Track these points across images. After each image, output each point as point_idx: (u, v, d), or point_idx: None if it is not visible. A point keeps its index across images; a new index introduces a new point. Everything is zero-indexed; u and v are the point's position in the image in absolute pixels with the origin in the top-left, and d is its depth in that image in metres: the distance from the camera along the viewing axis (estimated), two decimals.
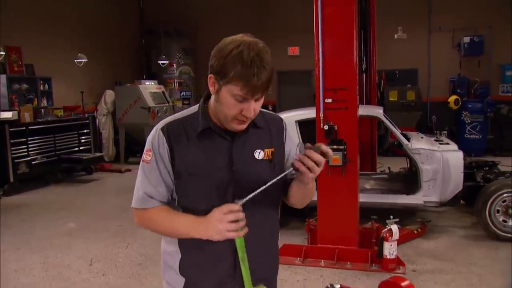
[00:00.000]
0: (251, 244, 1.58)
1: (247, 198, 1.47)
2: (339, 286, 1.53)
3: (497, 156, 9.37)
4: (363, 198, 5.08)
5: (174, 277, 1.70)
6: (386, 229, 4.41)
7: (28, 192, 8.40)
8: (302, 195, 1.70)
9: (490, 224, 5.19)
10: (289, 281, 4.36)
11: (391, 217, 4.50)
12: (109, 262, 4.98)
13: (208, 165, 1.58)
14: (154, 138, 1.62)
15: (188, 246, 1.64)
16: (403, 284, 1.46)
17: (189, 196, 1.60)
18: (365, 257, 4.62)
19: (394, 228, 4.36)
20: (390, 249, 4.40)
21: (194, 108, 1.68)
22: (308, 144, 1.49)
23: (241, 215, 1.45)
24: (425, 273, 4.45)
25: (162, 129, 1.62)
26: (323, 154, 1.46)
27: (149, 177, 1.62)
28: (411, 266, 4.59)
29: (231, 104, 1.49)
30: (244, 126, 1.57)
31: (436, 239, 5.39)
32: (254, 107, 1.51)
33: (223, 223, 1.44)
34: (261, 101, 1.54)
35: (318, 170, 1.48)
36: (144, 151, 1.65)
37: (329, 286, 1.54)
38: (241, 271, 1.56)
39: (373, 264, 4.56)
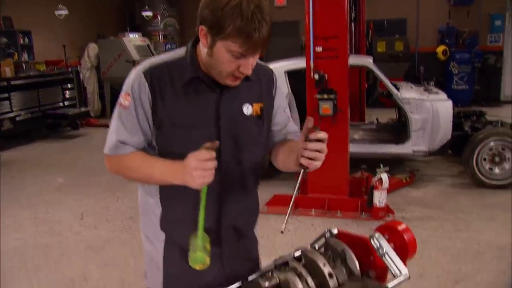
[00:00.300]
0: (225, 197, 1.56)
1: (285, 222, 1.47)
2: (336, 230, 1.53)
3: (484, 106, 9.43)
4: (352, 148, 5.08)
5: (153, 232, 1.64)
6: (376, 178, 4.44)
7: (14, 149, 8.28)
8: (292, 169, 1.61)
9: (477, 172, 5.28)
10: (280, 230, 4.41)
11: (381, 165, 4.53)
12: (100, 216, 4.98)
13: (194, 118, 1.49)
14: (135, 82, 1.47)
15: (169, 198, 1.57)
16: (400, 227, 1.47)
17: (173, 148, 1.50)
18: (355, 206, 4.68)
19: (384, 176, 4.39)
20: (380, 198, 4.46)
21: (181, 52, 1.54)
22: (305, 133, 1.39)
23: (215, 163, 1.37)
24: (414, 220, 4.54)
25: (145, 72, 1.47)
26: (320, 140, 1.38)
27: (125, 123, 1.49)
28: (400, 214, 4.67)
29: (228, 60, 1.37)
30: (238, 82, 1.47)
31: (425, 187, 5.48)
32: (252, 63, 1.41)
33: (199, 170, 1.35)
34: (258, 55, 1.43)
35: (323, 157, 1.40)
36: (122, 94, 1.49)
37: (327, 230, 1.53)
38: (219, 229, 1.59)
39: (363, 213, 4.63)
